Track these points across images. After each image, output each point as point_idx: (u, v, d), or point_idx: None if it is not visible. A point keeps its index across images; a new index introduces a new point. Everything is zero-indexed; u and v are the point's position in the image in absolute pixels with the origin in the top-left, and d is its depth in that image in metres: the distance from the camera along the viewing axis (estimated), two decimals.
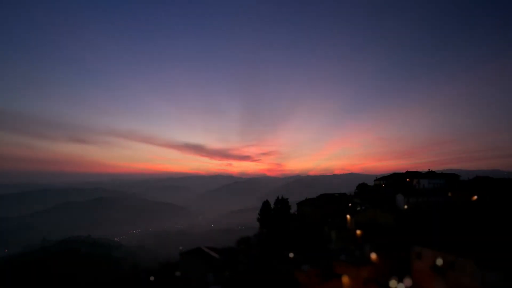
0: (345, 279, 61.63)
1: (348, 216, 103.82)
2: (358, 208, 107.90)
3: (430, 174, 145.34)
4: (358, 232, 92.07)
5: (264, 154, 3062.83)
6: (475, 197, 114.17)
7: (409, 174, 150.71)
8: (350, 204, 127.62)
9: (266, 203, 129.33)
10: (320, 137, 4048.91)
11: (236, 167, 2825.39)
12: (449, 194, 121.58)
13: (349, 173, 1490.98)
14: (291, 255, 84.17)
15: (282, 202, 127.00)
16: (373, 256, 66.63)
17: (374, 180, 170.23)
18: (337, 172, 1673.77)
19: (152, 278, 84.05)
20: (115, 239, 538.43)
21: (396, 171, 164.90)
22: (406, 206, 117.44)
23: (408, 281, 59.68)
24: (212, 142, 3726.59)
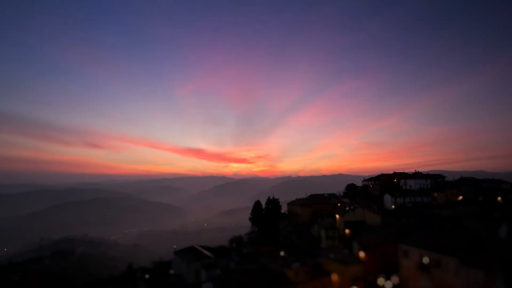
0: (334, 277, 61.19)
1: (337, 216, 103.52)
2: (347, 208, 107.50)
3: (417, 175, 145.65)
4: (347, 231, 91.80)
5: (257, 157, 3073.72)
6: (460, 197, 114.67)
7: (396, 175, 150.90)
8: (339, 204, 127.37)
9: (257, 203, 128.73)
10: (307, 142, 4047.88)
11: (231, 169, 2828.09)
12: (435, 194, 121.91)
13: (338, 174, 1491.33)
14: (281, 253, 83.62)
15: (273, 202, 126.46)
16: (362, 254, 66.29)
17: (363, 181, 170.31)
18: (325, 173, 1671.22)
19: (147, 276, 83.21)
20: (112, 238, 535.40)
21: (384, 172, 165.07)
22: (393, 206, 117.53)
23: (395, 279, 59.37)
24: (210, 147, 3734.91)
